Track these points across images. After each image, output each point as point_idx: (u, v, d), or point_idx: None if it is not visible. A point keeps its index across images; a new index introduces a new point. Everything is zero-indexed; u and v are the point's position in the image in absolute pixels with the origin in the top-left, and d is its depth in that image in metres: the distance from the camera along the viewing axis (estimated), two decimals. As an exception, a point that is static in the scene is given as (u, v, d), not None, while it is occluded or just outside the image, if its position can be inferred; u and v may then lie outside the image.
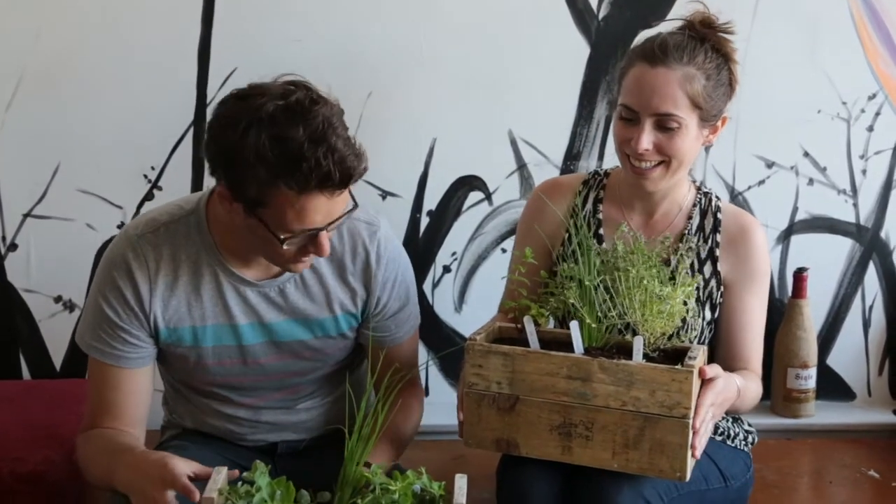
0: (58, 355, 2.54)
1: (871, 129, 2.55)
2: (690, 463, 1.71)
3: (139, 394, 1.78)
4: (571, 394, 1.71)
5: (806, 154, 2.56)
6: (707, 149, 2.32)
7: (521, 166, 2.54)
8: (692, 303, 1.85)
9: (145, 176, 2.47)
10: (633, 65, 1.84)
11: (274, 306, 1.79)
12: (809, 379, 2.58)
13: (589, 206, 1.99)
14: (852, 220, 2.60)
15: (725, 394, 1.76)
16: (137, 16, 2.39)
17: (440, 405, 2.24)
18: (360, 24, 2.43)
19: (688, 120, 1.81)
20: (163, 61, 2.42)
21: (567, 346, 1.75)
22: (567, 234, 1.96)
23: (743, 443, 1.98)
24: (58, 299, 2.52)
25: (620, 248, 1.82)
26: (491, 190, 2.56)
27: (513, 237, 2.25)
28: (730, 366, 1.89)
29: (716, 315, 1.95)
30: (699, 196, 1.98)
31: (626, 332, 1.79)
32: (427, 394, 2.53)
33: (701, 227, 1.95)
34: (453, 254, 2.58)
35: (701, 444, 1.71)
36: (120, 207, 2.48)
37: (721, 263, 1.94)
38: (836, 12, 2.48)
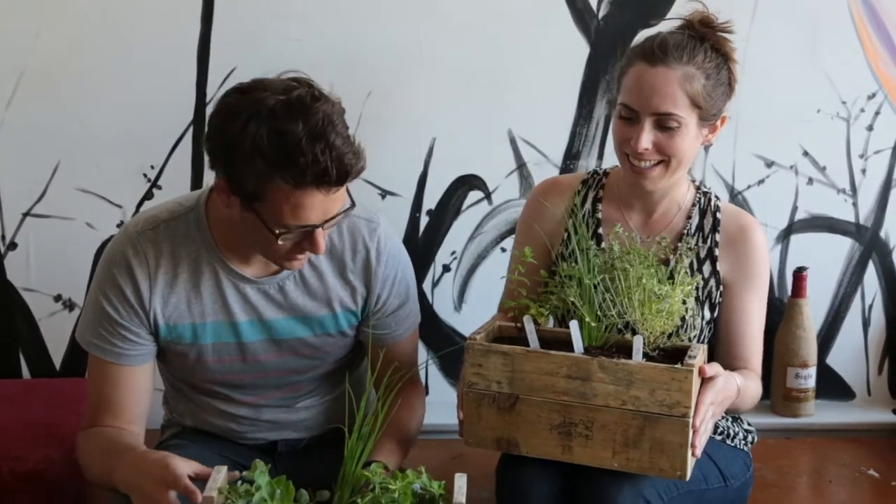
0: (57, 354, 2.54)
1: (870, 128, 2.55)
2: (691, 462, 1.71)
3: (139, 391, 1.79)
4: (571, 393, 1.71)
5: (805, 153, 2.56)
6: (706, 148, 2.33)
7: (521, 165, 2.54)
8: (691, 301, 1.85)
9: (145, 175, 2.47)
10: (632, 64, 1.84)
11: (273, 303, 1.79)
12: (809, 378, 2.58)
13: (588, 205, 1.99)
14: (852, 219, 2.60)
15: (725, 392, 1.76)
16: (137, 15, 2.39)
17: (440, 404, 2.25)
18: (360, 24, 2.43)
19: (687, 119, 1.82)
20: (162, 60, 2.42)
21: (567, 345, 1.75)
22: (566, 234, 1.96)
23: (742, 442, 1.98)
24: (57, 298, 2.52)
25: (616, 249, 1.82)
26: (490, 189, 2.56)
27: (512, 236, 2.25)
28: (729, 365, 1.89)
29: (715, 315, 1.95)
30: (698, 195, 1.98)
31: (626, 331, 1.79)
32: (427, 393, 2.53)
33: (700, 227, 1.95)
34: (453, 253, 2.58)
35: (701, 442, 1.71)
36: (119, 206, 2.48)
37: (720, 263, 1.94)
38: (836, 12, 2.48)
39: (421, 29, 2.45)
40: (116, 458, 1.66)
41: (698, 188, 2.00)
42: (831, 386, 2.67)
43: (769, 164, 2.57)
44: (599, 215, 1.98)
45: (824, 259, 2.61)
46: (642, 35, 1.93)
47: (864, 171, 2.58)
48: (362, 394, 1.65)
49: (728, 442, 1.96)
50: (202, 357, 1.80)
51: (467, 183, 2.55)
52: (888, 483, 2.35)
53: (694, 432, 1.69)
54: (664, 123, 1.81)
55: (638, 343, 1.71)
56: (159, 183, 2.48)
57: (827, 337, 2.66)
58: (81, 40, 2.40)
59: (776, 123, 2.53)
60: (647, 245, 1.90)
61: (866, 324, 2.66)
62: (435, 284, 2.59)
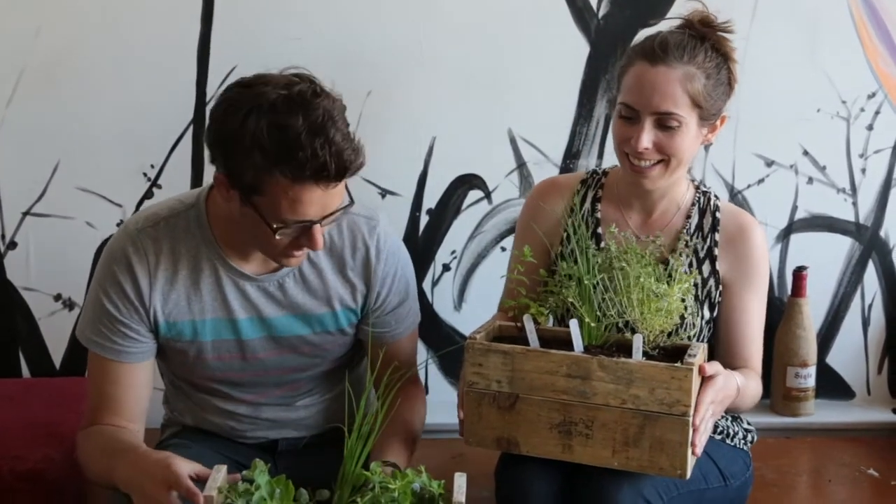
0: (57, 353, 2.54)
1: (870, 127, 2.55)
2: (691, 461, 1.71)
3: (139, 388, 1.79)
4: (571, 392, 1.71)
5: (805, 153, 2.56)
6: (706, 148, 2.33)
7: (521, 165, 2.54)
8: (690, 300, 1.85)
9: (145, 174, 2.47)
10: (632, 63, 1.84)
11: (273, 301, 1.80)
12: (809, 378, 2.58)
13: (587, 205, 1.99)
14: (852, 218, 2.60)
15: (725, 391, 1.76)
16: (137, 14, 2.39)
17: (440, 404, 2.25)
18: (360, 24, 2.43)
19: (688, 119, 1.82)
20: (162, 60, 2.42)
21: (567, 344, 1.75)
22: (566, 233, 1.96)
23: (742, 441, 1.98)
24: (57, 297, 2.52)
25: (613, 249, 1.82)
26: (490, 188, 2.56)
27: (512, 236, 2.25)
28: (729, 364, 1.89)
29: (715, 314, 1.95)
30: (698, 195, 1.98)
31: (626, 330, 1.79)
32: (427, 392, 2.52)
33: (700, 226, 1.95)
34: (453, 252, 2.58)
35: (701, 441, 1.71)
36: (119, 206, 2.48)
37: (720, 262, 1.94)
38: (836, 11, 2.48)
39: (421, 29, 2.45)
40: (117, 458, 1.66)
41: (697, 188, 2.00)
42: (831, 385, 2.67)
43: (769, 164, 2.57)
44: (599, 215, 1.98)
45: (824, 258, 2.61)
46: (642, 34, 1.93)
47: (863, 171, 2.58)
48: (362, 393, 1.65)
49: (728, 441, 1.96)
50: (202, 354, 1.80)
51: (467, 182, 2.55)
52: (888, 482, 2.35)
53: (694, 431, 1.69)
54: (664, 123, 1.81)
55: (638, 342, 1.71)
56: (159, 182, 2.48)
57: (827, 336, 2.66)
58: (81, 40, 2.40)
59: (776, 123, 2.53)
60: (645, 244, 1.90)
61: (866, 323, 2.66)
62: (435, 284, 2.59)
